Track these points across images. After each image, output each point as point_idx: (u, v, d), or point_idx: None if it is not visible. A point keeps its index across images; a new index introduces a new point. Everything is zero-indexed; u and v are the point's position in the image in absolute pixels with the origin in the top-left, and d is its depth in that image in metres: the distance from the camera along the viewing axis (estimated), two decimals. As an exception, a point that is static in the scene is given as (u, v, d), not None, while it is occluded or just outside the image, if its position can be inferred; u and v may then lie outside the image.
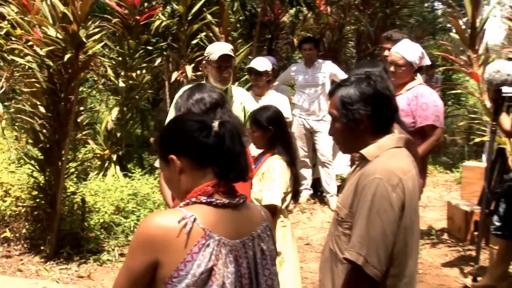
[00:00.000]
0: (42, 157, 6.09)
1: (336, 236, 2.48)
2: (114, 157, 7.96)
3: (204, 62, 4.78)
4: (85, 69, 6.20)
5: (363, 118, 2.44)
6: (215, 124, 2.02)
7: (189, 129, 2.03)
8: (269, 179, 3.80)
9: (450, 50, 8.93)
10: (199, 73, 7.99)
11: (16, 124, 8.24)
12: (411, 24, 13.41)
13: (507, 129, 5.43)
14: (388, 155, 2.42)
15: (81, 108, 6.53)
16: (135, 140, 9.21)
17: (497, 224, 5.36)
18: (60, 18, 5.52)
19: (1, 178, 6.93)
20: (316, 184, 8.48)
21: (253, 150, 3.99)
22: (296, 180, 3.95)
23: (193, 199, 1.98)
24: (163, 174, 2.19)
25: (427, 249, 6.61)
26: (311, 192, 8.44)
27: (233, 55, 4.72)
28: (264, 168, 3.84)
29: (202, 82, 4.71)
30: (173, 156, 2.02)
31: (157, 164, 4.14)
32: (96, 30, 6.23)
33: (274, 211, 3.64)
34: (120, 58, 8.07)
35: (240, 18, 9.38)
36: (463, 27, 7.15)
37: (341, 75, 7.80)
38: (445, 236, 7.13)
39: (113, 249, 6.10)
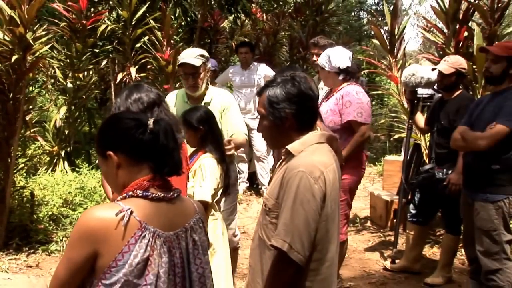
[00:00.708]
0: (-9, 153, 5.94)
1: (264, 225, 2.48)
2: (63, 153, 7.84)
3: None
4: (33, 70, 6.06)
5: (288, 116, 2.45)
6: (150, 121, 2.00)
7: (126, 127, 2.00)
8: (200, 177, 3.77)
9: (373, 55, 9.11)
10: (143, 74, 7.93)
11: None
12: (339, 31, 13.60)
13: (422, 127, 5.56)
14: (311, 150, 2.43)
15: (30, 107, 6.41)
16: (83, 137, 9.08)
17: (413, 212, 5.51)
18: (8, 21, 5.40)
19: (-47, 174, 6.75)
20: (252, 177, 8.54)
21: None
22: (226, 176, 3.94)
23: (130, 193, 1.96)
24: (101, 170, 2.16)
25: (352, 235, 6.70)
26: (247, 184, 8.50)
27: (197, 61, 4.35)
28: (196, 165, 3.82)
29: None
30: (110, 152, 1.99)
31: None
32: (44, 33, 6.13)
33: (205, 207, 3.61)
34: (68, 60, 7.93)
35: (182, 23, 9.34)
36: (384, 35, 7.28)
37: (275, 77, 7.84)
38: (368, 223, 7.27)
39: (61, 240, 6.00)
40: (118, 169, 2.00)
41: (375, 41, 7.83)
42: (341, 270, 5.16)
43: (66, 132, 7.91)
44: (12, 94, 5.64)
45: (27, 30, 5.42)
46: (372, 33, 15.94)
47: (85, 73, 7.99)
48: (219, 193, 3.86)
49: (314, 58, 5.85)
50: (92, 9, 7.90)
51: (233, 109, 4.42)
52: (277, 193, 2.42)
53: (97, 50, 8.20)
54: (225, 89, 8.18)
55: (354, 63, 5.61)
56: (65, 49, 7.98)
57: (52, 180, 7.09)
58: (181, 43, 8.93)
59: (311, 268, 2.40)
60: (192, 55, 4.36)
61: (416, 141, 6.47)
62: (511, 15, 16.99)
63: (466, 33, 6.40)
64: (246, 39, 10.93)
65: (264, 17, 11.87)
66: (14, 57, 5.39)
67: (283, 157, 2.55)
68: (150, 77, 8.03)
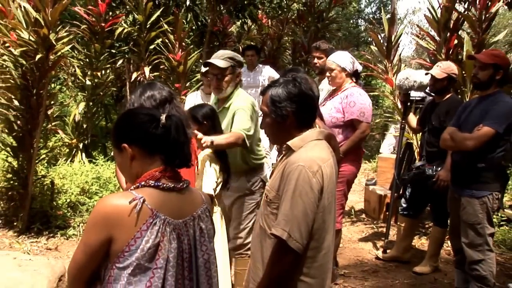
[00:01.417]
0: (15, 144, 5.98)
1: (265, 215, 2.49)
2: (81, 145, 7.89)
3: None
4: (55, 68, 6.09)
5: (289, 114, 2.45)
6: (163, 117, 2.00)
7: (140, 121, 2.00)
8: (201, 170, 3.71)
9: (370, 60, 9.08)
10: (156, 73, 7.94)
11: (-7, 115, 8.05)
12: (339, 37, 13.62)
13: (414, 127, 5.57)
14: (310, 146, 2.44)
15: (52, 102, 6.42)
16: (100, 131, 9.10)
17: (404, 205, 5.50)
18: (33, 23, 5.44)
19: (-20, 163, 6.79)
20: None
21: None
22: (226, 170, 3.87)
23: (143, 183, 1.97)
24: (116, 161, 2.17)
25: (347, 227, 6.72)
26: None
27: (223, 63, 3.98)
28: (198, 159, 3.78)
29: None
30: (125, 145, 1.99)
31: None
32: (66, 34, 6.15)
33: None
34: (87, 60, 7.97)
35: (193, 27, 9.35)
36: (381, 41, 7.28)
37: (278, 78, 7.84)
38: (363, 216, 7.27)
39: (78, 225, 6.04)
40: (132, 160, 2.01)
41: (372, 47, 7.84)
42: (336, 258, 5.18)
43: (84, 126, 7.95)
44: (35, 90, 5.68)
45: (50, 31, 5.45)
46: (369, 39, 15.95)
47: (103, 71, 8.02)
48: (218, 188, 3.76)
49: (315, 60, 5.87)
50: (110, 13, 7.92)
51: (241, 111, 3.98)
52: (278, 185, 2.42)
53: (114, 51, 8.22)
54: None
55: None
56: (85, 50, 8.02)
57: (70, 170, 7.13)
58: (192, 46, 8.98)
59: (309, 255, 2.41)
60: (220, 56, 4.05)
61: (408, 140, 6.47)
62: (497, 25, 16.95)
63: (456, 41, 6.43)
64: (252, 43, 10.93)
65: (269, 23, 11.88)
66: (38, 56, 5.43)
67: (284, 152, 2.55)
68: (162, 77, 8.04)
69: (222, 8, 9.72)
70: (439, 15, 6.61)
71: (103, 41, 7.81)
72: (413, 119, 5.56)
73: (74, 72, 8.26)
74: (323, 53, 5.80)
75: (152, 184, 1.96)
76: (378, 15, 23.34)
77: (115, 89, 9.14)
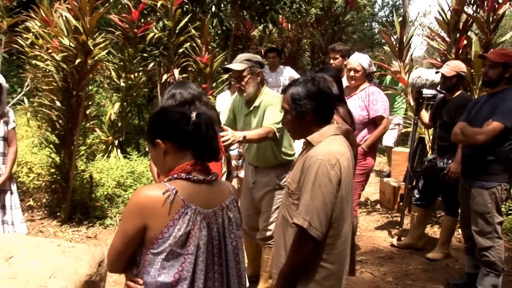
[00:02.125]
0: (58, 141, 6.07)
1: (287, 206, 2.49)
2: (116, 142, 7.92)
3: None
4: (92, 72, 6.15)
5: (309, 111, 2.45)
6: (193, 115, 2.02)
7: (172, 119, 2.02)
8: None
9: (383, 60, 9.02)
10: (184, 75, 7.97)
11: (38, 115, 8.15)
12: (354, 39, 13.51)
13: (426, 122, 5.52)
14: (329, 141, 2.43)
15: (90, 103, 6.49)
16: (133, 129, 9.15)
17: (417, 196, 5.48)
18: (73, 30, 5.51)
19: (26, 158, 6.91)
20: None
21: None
22: (228, 162, 3.79)
23: (175, 176, 1.99)
24: (150, 155, 2.19)
25: (363, 216, 6.70)
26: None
27: (240, 65, 3.92)
28: None
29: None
30: (159, 140, 2.01)
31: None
32: (102, 40, 6.21)
33: None
34: (121, 63, 8.01)
35: (218, 31, 9.35)
36: (394, 42, 7.22)
37: (298, 78, 7.82)
38: (378, 206, 7.23)
39: (115, 216, 6.11)
40: (165, 155, 2.02)
41: (386, 47, 7.78)
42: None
43: (119, 124, 8.00)
44: (75, 92, 5.75)
45: (89, 38, 5.51)
46: (383, 41, 15.80)
47: (136, 74, 8.05)
48: (223, 179, 3.70)
49: (332, 61, 5.90)
50: (142, 20, 7.95)
51: (271, 106, 3.90)
52: (298, 178, 2.42)
53: (146, 55, 8.25)
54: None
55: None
56: (119, 54, 8.07)
57: (107, 165, 7.18)
58: (217, 49, 8.98)
59: (328, 243, 2.40)
60: (237, 60, 4.01)
61: (420, 135, 6.41)
62: (504, 26, 16.66)
63: (465, 41, 6.36)
64: (273, 45, 10.91)
65: (289, 26, 11.81)
66: (77, 61, 5.50)
67: (303, 146, 2.55)
68: (190, 78, 8.06)
69: (245, 13, 9.71)
70: (449, 17, 6.55)
71: (136, 45, 7.85)
72: (425, 115, 5.51)
73: (109, 75, 8.31)
74: (338, 53, 5.83)
75: (184, 177, 1.98)
76: (390, 18, 23.13)
77: (147, 90, 9.17)
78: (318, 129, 2.48)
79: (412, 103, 6.44)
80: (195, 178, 2.00)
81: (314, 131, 2.48)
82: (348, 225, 2.49)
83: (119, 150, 7.87)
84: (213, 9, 8.99)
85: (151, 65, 8.35)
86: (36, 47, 7.23)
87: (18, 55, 8.92)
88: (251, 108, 4.04)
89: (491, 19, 6.12)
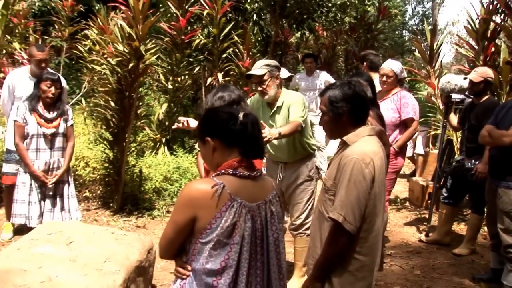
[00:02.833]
0: (111, 138, 6.16)
1: (323, 201, 2.49)
2: (163, 140, 8.00)
3: None
4: (144, 75, 6.25)
5: (345, 113, 2.44)
6: (241, 115, 2.03)
7: (221, 118, 2.03)
8: None
9: (414, 66, 8.89)
10: (227, 78, 8.02)
11: (94, 114, 8.34)
12: (386, 46, 13.36)
13: (454, 125, 5.45)
14: (363, 141, 2.43)
15: (140, 103, 6.59)
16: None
17: (445, 194, 5.41)
18: (127, 37, 5.58)
19: (83, 153, 7.07)
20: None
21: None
22: None
23: (223, 171, 2.00)
24: (200, 152, 2.20)
25: (393, 213, 6.63)
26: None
27: (260, 71, 3.95)
28: None
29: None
30: (208, 138, 2.03)
31: (197, 146, 4.07)
32: (152, 46, 6.30)
33: None
34: (169, 67, 8.09)
35: (259, 38, 9.38)
36: (424, 49, 7.12)
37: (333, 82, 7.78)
38: (407, 204, 7.14)
39: (162, 208, 6.18)
40: (213, 152, 2.04)
41: (416, 54, 7.67)
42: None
43: (166, 123, 8.07)
44: (128, 93, 5.83)
45: (141, 44, 5.58)
46: (413, 48, 15.55)
47: (182, 77, 8.11)
48: None
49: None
50: (189, 27, 8.02)
51: (294, 103, 3.97)
52: (334, 175, 2.42)
53: (192, 59, 8.31)
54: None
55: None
56: (167, 59, 8.15)
57: (155, 160, 7.28)
58: (258, 54, 9.00)
59: (361, 236, 2.39)
60: (257, 66, 4.03)
61: (449, 137, 6.31)
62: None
63: (493, 49, 6.24)
64: (310, 51, 10.88)
65: (325, 34, 11.77)
66: (130, 65, 5.59)
67: (339, 146, 2.55)
68: (232, 81, 8.11)
69: (284, 21, 9.72)
70: (477, 26, 6.44)
71: (183, 51, 7.93)
72: (454, 119, 5.44)
73: (158, 78, 8.42)
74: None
75: (231, 172, 2.00)
76: (420, 26, 22.73)
77: (192, 92, 9.25)
78: (354, 129, 2.47)
79: (441, 106, 6.34)
80: (241, 173, 2.01)
81: (350, 132, 2.47)
82: (380, 221, 2.48)
83: (166, 147, 7.96)
84: (255, 17, 9.02)
85: (196, 69, 8.42)
86: (93, 52, 7.44)
87: (77, 60, 9.19)
88: (275, 108, 4.08)
89: (519, 28, 5.99)
